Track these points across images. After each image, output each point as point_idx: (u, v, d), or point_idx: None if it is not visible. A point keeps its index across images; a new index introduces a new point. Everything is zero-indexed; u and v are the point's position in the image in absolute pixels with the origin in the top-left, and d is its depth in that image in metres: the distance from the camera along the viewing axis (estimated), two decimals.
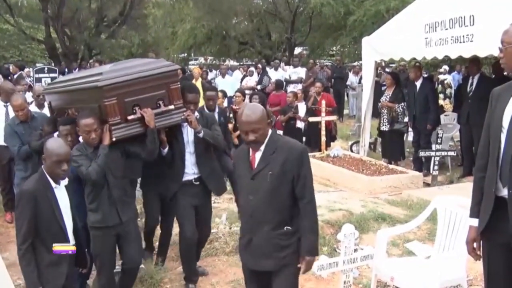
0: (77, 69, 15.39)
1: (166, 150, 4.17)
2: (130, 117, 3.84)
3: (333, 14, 18.40)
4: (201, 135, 4.14)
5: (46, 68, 15.32)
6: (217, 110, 5.98)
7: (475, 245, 2.79)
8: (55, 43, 21.06)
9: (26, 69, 16.29)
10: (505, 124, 2.59)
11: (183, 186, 4.23)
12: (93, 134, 3.73)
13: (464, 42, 6.52)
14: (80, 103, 4.12)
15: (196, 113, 4.24)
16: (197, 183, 4.25)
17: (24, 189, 3.14)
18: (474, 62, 7.50)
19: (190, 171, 4.23)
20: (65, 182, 3.23)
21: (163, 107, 3.94)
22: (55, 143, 3.16)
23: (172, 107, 3.99)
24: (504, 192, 2.59)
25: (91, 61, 17.84)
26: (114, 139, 3.78)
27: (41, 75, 14.14)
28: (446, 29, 6.78)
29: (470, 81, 7.64)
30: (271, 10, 22.58)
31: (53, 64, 19.41)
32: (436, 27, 6.99)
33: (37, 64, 21.12)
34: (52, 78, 13.42)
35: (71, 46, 20.99)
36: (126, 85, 3.79)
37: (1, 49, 23.37)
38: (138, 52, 28.11)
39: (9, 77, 13.40)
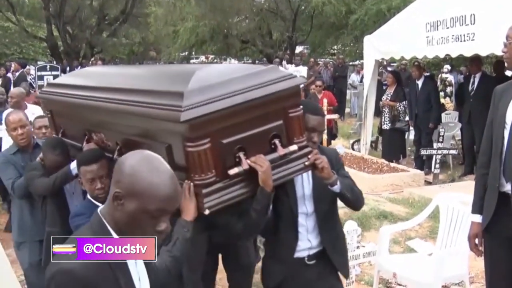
0: (79, 67, 15.37)
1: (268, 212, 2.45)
2: (232, 172, 2.19)
3: (334, 13, 18.40)
4: (337, 188, 2.49)
5: (48, 66, 15.33)
6: None
7: (476, 241, 2.82)
8: (56, 41, 21.11)
9: (27, 67, 16.33)
10: (508, 120, 2.62)
11: (291, 270, 2.59)
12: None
13: (465, 40, 6.54)
14: (124, 135, 2.54)
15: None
16: (312, 262, 2.60)
17: (70, 270, 1.45)
18: (475, 61, 7.51)
19: (305, 244, 2.59)
20: None
21: (280, 149, 2.28)
22: (157, 177, 1.50)
23: (295, 148, 2.35)
24: (507, 188, 2.63)
25: (92, 59, 17.87)
26: (207, 211, 2.15)
27: (43, 73, 14.15)
28: (447, 28, 6.80)
29: (471, 80, 7.66)
30: (272, 9, 22.56)
31: (54, 62, 19.45)
32: (437, 26, 7.01)
33: (39, 62, 21.15)
34: (55, 76, 13.40)
35: (73, 44, 21.02)
36: (225, 116, 2.12)
37: (2, 46, 23.38)
38: (139, 51, 28.17)
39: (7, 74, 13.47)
